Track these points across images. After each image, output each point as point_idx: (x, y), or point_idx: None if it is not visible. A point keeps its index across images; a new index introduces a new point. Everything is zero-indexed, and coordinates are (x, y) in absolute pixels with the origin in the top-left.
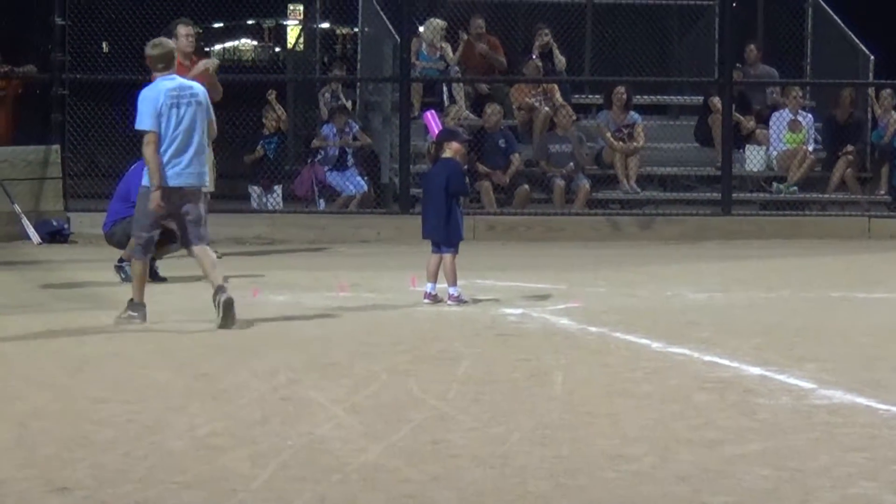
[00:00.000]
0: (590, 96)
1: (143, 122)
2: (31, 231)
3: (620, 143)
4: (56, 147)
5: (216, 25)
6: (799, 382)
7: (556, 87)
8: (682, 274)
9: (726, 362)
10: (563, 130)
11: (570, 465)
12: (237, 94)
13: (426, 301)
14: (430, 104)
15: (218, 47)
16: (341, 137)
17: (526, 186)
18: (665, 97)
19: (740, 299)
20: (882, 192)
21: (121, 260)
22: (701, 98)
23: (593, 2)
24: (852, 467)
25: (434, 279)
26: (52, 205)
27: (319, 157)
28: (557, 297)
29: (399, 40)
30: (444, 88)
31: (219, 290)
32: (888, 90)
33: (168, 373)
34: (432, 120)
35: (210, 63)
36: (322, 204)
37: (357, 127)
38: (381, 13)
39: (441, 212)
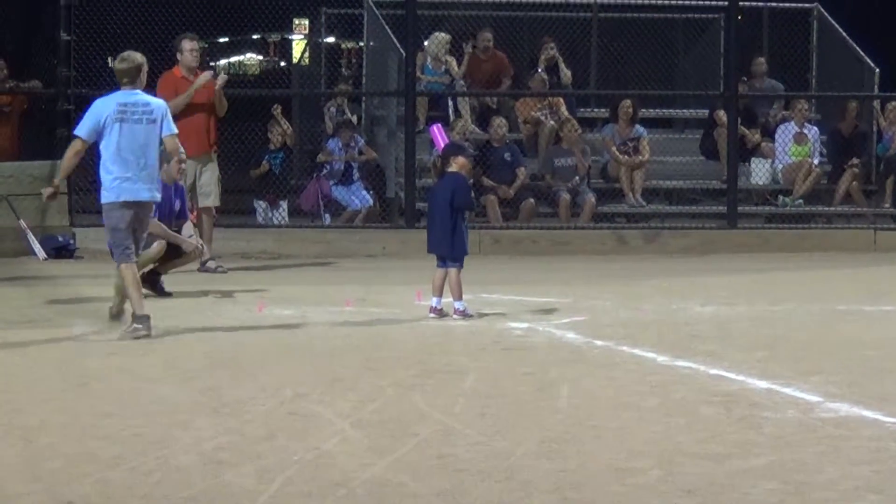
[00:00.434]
0: (595, 110)
1: (79, 128)
2: (36, 247)
3: (626, 156)
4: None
5: (221, 40)
6: (805, 396)
7: (561, 100)
8: (688, 287)
9: (732, 375)
10: (569, 144)
11: (576, 479)
12: (243, 109)
13: (432, 315)
14: (435, 118)
15: (223, 62)
16: (347, 152)
17: (531, 200)
18: (670, 111)
19: (746, 312)
20: (888, 204)
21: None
22: (706, 111)
23: (599, 16)
24: (859, 480)
25: (439, 293)
26: (57, 220)
27: (325, 171)
28: (563, 310)
29: (404, 54)
30: (450, 102)
31: (121, 312)
32: (893, 103)
33: (174, 387)
34: (439, 134)
35: (220, 79)
36: (328, 218)
37: (362, 141)
38: (387, 27)
39: (446, 226)
